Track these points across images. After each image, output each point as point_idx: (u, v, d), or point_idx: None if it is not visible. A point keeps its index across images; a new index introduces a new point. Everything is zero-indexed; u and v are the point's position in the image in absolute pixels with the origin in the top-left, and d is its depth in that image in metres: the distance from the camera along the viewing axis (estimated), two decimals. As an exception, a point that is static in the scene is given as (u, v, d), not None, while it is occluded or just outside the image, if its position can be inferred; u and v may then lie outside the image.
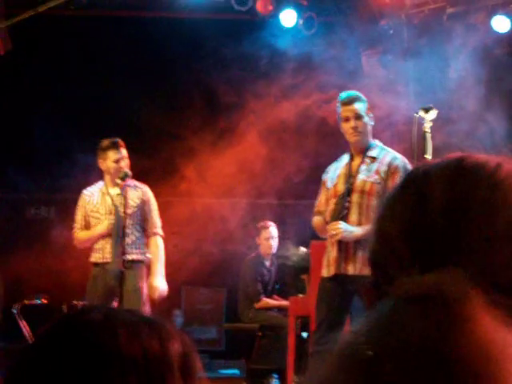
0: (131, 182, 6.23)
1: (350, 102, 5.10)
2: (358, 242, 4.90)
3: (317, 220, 5.28)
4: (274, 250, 8.20)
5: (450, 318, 0.70)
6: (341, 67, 7.42)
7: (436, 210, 0.81)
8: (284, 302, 7.67)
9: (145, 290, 6.12)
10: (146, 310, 5.85)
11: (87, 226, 6.28)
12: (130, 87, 8.61)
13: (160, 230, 6.32)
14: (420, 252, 0.81)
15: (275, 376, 7.58)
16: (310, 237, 6.15)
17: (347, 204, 4.99)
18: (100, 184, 6.33)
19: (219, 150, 8.26)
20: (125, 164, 6.18)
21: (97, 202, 6.25)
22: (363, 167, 5.08)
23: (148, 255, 6.21)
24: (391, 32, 7.77)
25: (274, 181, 8.31)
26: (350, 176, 5.08)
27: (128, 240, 6.05)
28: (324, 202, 5.24)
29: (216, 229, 8.81)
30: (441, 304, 0.71)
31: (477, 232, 0.79)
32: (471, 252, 0.78)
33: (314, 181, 5.61)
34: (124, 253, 5.92)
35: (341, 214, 4.98)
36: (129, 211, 6.08)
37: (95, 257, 6.18)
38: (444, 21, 7.51)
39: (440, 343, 0.68)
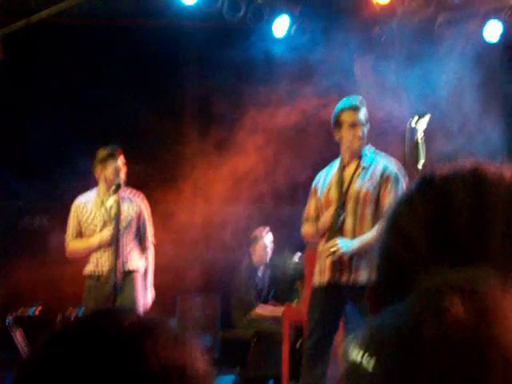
0: (126, 190, 6.21)
1: (356, 108, 5.05)
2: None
3: (307, 227, 5.26)
4: (268, 257, 8.20)
5: (492, 310, 0.71)
6: (333, 74, 7.44)
7: (461, 209, 0.84)
8: (278, 311, 7.66)
9: (140, 300, 6.11)
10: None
11: (80, 236, 6.21)
12: (128, 95, 8.60)
13: (152, 240, 6.32)
14: (445, 249, 0.83)
15: (271, 383, 7.57)
16: (303, 243, 6.15)
17: (342, 212, 4.99)
18: (93, 192, 6.26)
19: (213, 158, 8.27)
20: (123, 172, 6.15)
21: (91, 211, 6.19)
22: (358, 174, 5.06)
23: (143, 264, 6.21)
24: (383, 39, 7.79)
25: (270, 187, 8.31)
26: (343, 183, 5.07)
27: (125, 251, 6.04)
28: (314, 209, 5.22)
29: (211, 236, 8.80)
30: (479, 295, 0.73)
31: (503, 231, 0.82)
32: (497, 250, 0.82)
33: (306, 188, 5.61)
34: (120, 264, 5.91)
35: (337, 225, 4.97)
36: (125, 221, 6.07)
37: (89, 268, 6.14)
38: (436, 28, 7.54)
39: (481, 333, 0.70)
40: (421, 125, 4.90)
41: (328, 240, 4.99)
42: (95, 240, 6.07)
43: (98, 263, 6.06)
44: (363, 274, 4.86)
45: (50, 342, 0.96)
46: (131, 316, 0.97)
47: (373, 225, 4.88)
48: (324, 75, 7.45)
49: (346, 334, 5.42)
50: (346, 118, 5.05)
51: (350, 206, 4.99)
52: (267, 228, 8.25)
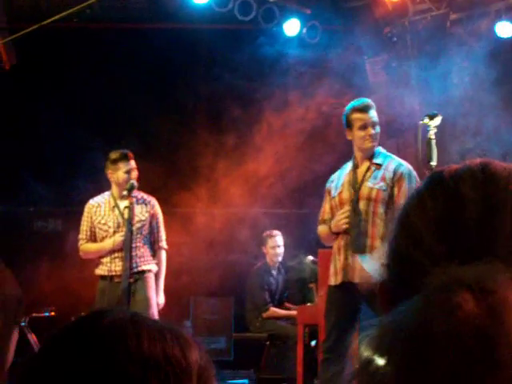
0: (138, 194, 6.23)
1: (366, 108, 5.08)
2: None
3: (322, 228, 5.27)
4: (281, 259, 8.21)
5: (502, 305, 0.71)
6: (345, 75, 7.43)
7: (470, 206, 0.84)
8: (292, 312, 7.66)
9: (153, 299, 6.12)
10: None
11: (93, 238, 6.26)
12: (142, 97, 8.62)
13: (165, 244, 6.33)
14: (455, 246, 0.83)
15: (285, 384, 7.57)
16: (316, 245, 6.14)
17: (355, 212, 4.99)
18: (106, 194, 6.30)
19: (228, 160, 8.29)
20: (134, 175, 6.18)
21: (104, 213, 6.22)
22: (369, 174, 5.07)
23: (155, 264, 6.22)
24: (395, 39, 7.77)
25: (281, 190, 8.32)
26: (355, 183, 5.08)
27: (137, 253, 6.06)
28: (329, 210, 5.23)
29: (224, 238, 8.80)
30: (490, 291, 0.72)
31: (511, 227, 0.83)
32: (506, 246, 0.82)
33: (320, 190, 5.61)
34: (133, 266, 5.95)
35: (351, 225, 4.98)
36: (138, 225, 6.09)
37: (102, 270, 6.16)
38: (447, 27, 7.51)
39: (493, 329, 0.70)
40: (433, 123, 4.88)
41: (342, 242, 5.01)
42: (108, 244, 6.10)
43: (111, 266, 6.08)
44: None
45: (42, 345, 0.99)
46: (114, 314, 0.98)
47: (385, 224, 4.88)
48: (336, 76, 7.44)
49: (359, 333, 5.40)
50: (356, 118, 5.08)
51: (361, 205, 5.00)
52: (277, 231, 8.24)
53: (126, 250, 5.96)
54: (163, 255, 6.31)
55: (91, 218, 6.25)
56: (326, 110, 7.65)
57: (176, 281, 6.49)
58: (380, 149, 5.20)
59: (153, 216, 6.24)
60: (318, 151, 8.06)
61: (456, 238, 0.84)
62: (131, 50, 8.80)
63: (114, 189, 6.23)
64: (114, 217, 6.16)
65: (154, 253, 6.27)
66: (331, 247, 5.20)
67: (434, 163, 4.80)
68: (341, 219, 5.02)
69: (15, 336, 5.98)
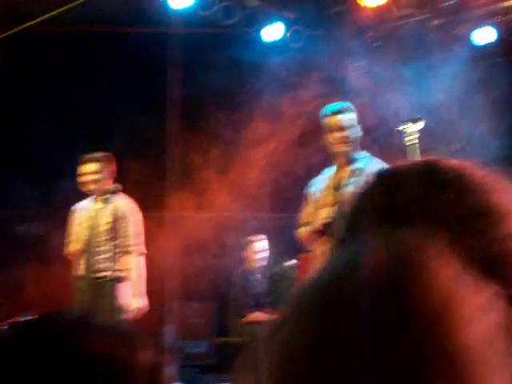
0: (117, 196, 6.20)
1: (338, 112, 5.12)
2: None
3: (302, 231, 5.26)
4: (264, 263, 8.19)
5: (413, 256, 0.69)
6: (328, 80, 7.44)
7: (413, 188, 0.82)
8: (273, 316, 7.65)
9: (122, 305, 6.06)
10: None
11: (74, 241, 6.35)
12: (122, 101, 8.59)
13: (134, 248, 6.25)
14: (395, 221, 0.80)
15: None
16: (299, 249, 6.14)
17: (336, 215, 4.99)
18: (90, 198, 6.36)
19: (215, 166, 8.29)
20: (90, 179, 6.16)
21: (82, 217, 6.32)
22: (352, 179, 5.07)
23: (122, 273, 6.15)
24: (377, 44, 7.79)
25: (268, 194, 8.31)
26: (337, 187, 5.08)
27: (100, 256, 6.06)
28: (309, 214, 5.22)
29: (210, 243, 8.79)
30: (402, 244, 0.71)
31: (452, 210, 0.80)
32: (445, 226, 0.78)
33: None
34: (96, 269, 5.97)
35: (331, 228, 4.98)
36: (102, 227, 6.09)
37: (74, 271, 6.28)
38: (430, 32, 7.54)
39: (399, 291, 0.67)
40: (412, 130, 4.87)
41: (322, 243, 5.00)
42: (75, 246, 6.23)
43: (77, 266, 6.18)
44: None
45: None
46: (66, 315, 1.02)
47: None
48: (319, 80, 7.44)
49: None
50: (325, 123, 5.12)
51: (343, 208, 4.99)
52: (262, 235, 8.23)
53: (88, 250, 6.05)
54: (134, 260, 6.23)
55: (72, 222, 6.41)
56: (310, 114, 7.66)
57: (161, 285, 6.47)
58: (363, 153, 5.21)
59: (117, 219, 6.14)
60: (303, 155, 8.06)
61: (395, 216, 0.80)
62: (115, 53, 8.77)
63: (97, 192, 6.30)
64: (88, 220, 6.20)
65: (124, 256, 6.18)
66: (312, 251, 5.19)
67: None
68: (322, 217, 5.02)
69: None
